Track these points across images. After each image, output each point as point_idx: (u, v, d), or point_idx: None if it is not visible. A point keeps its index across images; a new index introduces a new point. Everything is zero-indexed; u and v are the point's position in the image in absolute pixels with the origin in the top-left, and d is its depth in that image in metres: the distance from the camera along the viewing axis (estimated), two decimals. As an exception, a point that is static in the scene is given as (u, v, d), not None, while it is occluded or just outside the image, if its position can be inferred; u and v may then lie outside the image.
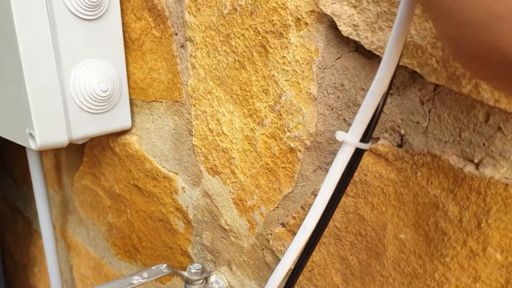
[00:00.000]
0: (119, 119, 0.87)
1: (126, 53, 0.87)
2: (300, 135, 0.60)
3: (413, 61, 0.46)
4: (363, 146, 0.43)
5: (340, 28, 0.51)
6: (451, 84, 0.44)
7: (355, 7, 0.49)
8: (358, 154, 0.44)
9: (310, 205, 0.54)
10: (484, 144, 0.43)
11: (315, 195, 0.49)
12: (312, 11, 0.55)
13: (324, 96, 0.56)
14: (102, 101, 0.82)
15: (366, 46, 0.49)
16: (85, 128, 0.82)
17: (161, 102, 0.84)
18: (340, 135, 0.43)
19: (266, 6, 0.59)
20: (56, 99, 0.76)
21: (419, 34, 0.45)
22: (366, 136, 0.43)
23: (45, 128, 0.75)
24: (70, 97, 0.77)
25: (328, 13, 0.51)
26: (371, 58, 0.50)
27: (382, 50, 0.48)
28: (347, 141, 0.43)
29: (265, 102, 0.64)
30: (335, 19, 0.51)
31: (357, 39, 0.50)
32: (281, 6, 0.58)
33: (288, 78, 0.60)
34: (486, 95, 0.42)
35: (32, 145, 0.77)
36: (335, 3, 0.51)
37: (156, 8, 0.77)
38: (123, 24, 0.85)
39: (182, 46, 0.75)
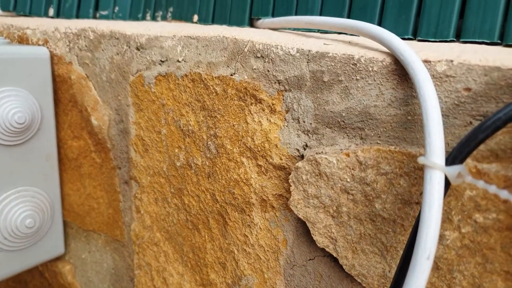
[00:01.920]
0: (49, 248, 0.74)
1: (61, 170, 0.74)
2: (262, 334, 0.50)
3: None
4: None
5: (314, 237, 0.42)
6: None
7: (333, 217, 0.41)
8: None
9: None
10: None
11: None
12: (280, 195, 0.46)
13: (292, 297, 0.47)
14: (28, 236, 0.68)
15: (346, 269, 0.40)
16: (4, 268, 0.67)
17: (100, 234, 0.71)
18: None
19: (227, 175, 0.50)
20: (-36, 245, 0.61)
21: None
22: None
23: None
24: (-17, 238, 0.63)
25: (300, 216, 0.42)
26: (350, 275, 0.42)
27: (364, 279, 0.39)
28: None
29: (222, 277, 0.54)
30: (308, 225, 0.42)
31: (334, 254, 0.41)
32: (244, 180, 0.48)
33: (250, 261, 0.50)
34: None
35: None
36: (308, 206, 0.42)
37: (97, 136, 0.65)
38: (59, 139, 0.72)
39: (126, 182, 0.64)
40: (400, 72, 0.36)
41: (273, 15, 0.60)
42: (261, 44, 0.44)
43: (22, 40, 0.72)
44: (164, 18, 0.76)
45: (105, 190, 0.68)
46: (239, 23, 0.63)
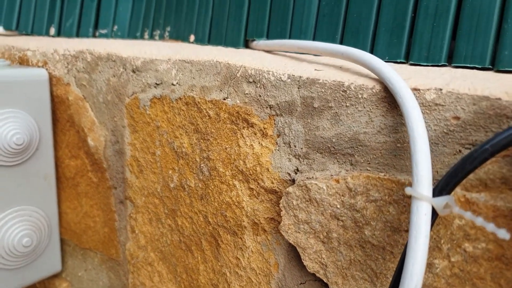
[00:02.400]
0: (47, 266, 0.74)
1: (59, 188, 0.75)
2: None
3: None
4: None
5: (304, 262, 0.42)
6: None
7: (323, 243, 0.40)
8: None
9: None
10: None
11: None
12: (272, 219, 0.46)
13: (285, 322, 0.46)
14: (25, 255, 0.68)
15: (336, 295, 0.40)
16: (2, 287, 0.67)
17: (96, 253, 0.71)
18: None
19: (219, 198, 0.50)
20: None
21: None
22: None
23: None
24: (-21, 258, 0.64)
25: (291, 241, 0.42)
26: (342, 300, 0.41)
27: (355, 307, 0.39)
28: None
29: (215, 299, 0.53)
30: (299, 250, 0.42)
31: (325, 280, 0.41)
32: (236, 203, 0.48)
33: (242, 284, 0.50)
34: None
35: None
36: (299, 232, 0.42)
37: (93, 156, 0.66)
38: (57, 158, 0.73)
39: (122, 202, 0.64)
40: (389, 99, 0.36)
41: (267, 37, 0.61)
42: (253, 70, 0.45)
43: (23, 61, 0.73)
44: (161, 37, 0.76)
45: (101, 209, 0.68)
46: (235, 44, 0.64)
